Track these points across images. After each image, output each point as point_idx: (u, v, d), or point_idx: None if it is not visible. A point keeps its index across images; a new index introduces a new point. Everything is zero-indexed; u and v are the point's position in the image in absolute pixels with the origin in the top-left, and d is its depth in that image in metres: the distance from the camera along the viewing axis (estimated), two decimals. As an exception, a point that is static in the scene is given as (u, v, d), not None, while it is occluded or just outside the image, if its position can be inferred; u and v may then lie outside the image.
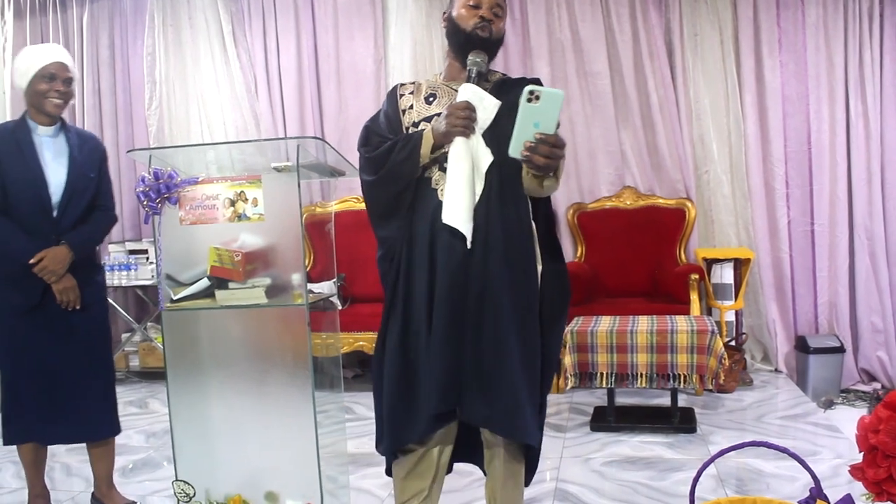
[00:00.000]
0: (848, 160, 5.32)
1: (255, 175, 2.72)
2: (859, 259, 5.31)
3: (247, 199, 2.71)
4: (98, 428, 3.21)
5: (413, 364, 2.38)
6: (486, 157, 2.33)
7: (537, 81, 2.52)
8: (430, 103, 2.48)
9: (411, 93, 2.54)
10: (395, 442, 2.42)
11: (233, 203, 2.73)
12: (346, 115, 5.69)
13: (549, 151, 2.05)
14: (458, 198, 2.29)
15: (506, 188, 2.36)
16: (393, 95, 2.57)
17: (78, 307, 3.06)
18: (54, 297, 3.02)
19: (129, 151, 3.02)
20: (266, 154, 2.96)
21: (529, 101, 1.96)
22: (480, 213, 2.31)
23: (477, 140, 2.33)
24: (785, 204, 5.42)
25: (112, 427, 3.25)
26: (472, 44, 2.40)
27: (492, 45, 2.44)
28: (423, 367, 2.36)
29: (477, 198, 2.32)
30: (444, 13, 2.54)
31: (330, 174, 3.24)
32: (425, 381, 2.35)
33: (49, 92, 3.00)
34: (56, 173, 3.04)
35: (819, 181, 5.37)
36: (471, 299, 2.32)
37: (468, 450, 2.58)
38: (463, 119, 2.29)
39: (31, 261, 2.95)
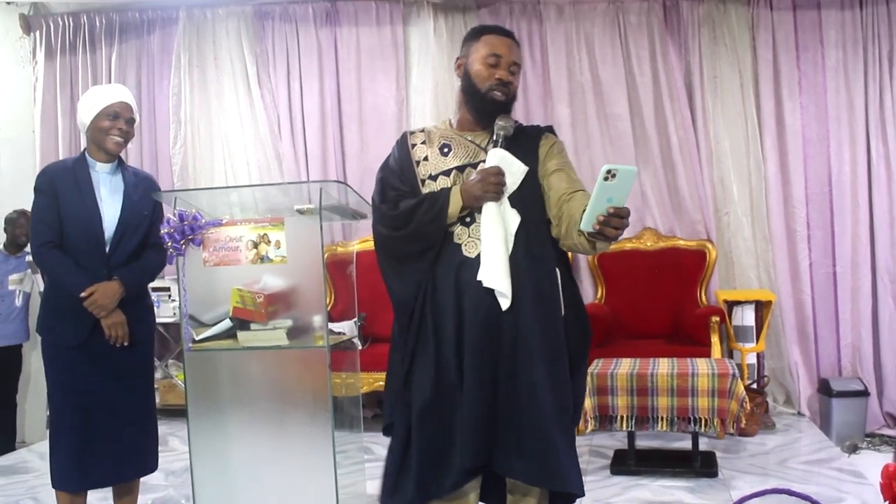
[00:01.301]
0: (870, 202, 5.32)
1: (279, 218, 2.76)
2: (882, 301, 5.28)
3: (270, 242, 2.75)
4: (139, 466, 3.22)
5: (445, 418, 2.38)
6: (514, 219, 2.39)
7: (551, 130, 2.57)
8: (445, 154, 2.50)
9: (423, 143, 2.55)
10: (423, 495, 2.39)
11: (256, 245, 2.76)
12: (367, 155, 5.74)
13: (620, 223, 2.05)
14: (497, 261, 2.33)
15: (533, 246, 2.40)
16: (404, 145, 2.58)
17: (126, 343, 3.08)
18: (103, 333, 3.04)
19: (153, 193, 3.08)
20: (289, 195, 3.00)
21: (606, 179, 1.98)
22: (511, 270, 2.35)
23: (504, 203, 2.39)
24: (806, 246, 5.41)
25: (151, 464, 3.26)
26: (489, 107, 2.44)
27: (509, 104, 2.48)
28: (455, 420, 2.36)
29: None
30: (458, 60, 2.56)
31: (352, 216, 3.28)
32: (459, 434, 2.35)
33: (111, 130, 3.07)
34: (111, 209, 3.08)
35: (841, 223, 5.36)
36: (503, 352, 2.35)
37: (488, 488, 2.56)
38: (496, 185, 2.34)
39: (83, 294, 2.98)
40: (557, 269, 2.47)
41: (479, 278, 2.33)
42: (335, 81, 5.81)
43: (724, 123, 5.49)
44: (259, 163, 5.81)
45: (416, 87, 5.76)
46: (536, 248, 2.41)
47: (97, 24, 5.96)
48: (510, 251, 2.36)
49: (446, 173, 2.46)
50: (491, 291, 2.33)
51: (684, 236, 5.53)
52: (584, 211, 2.10)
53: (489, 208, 2.36)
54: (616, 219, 2.03)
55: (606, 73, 5.55)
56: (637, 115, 5.55)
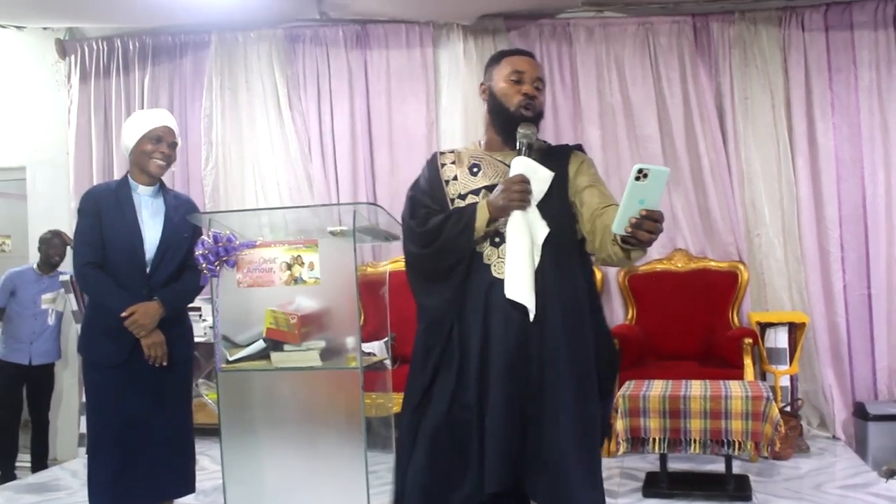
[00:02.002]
0: (904, 223, 5.26)
1: (312, 240, 2.77)
2: (918, 324, 5.21)
3: (303, 263, 2.76)
4: (176, 487, 3.25)
5: (458, 439, 2.35)
6: (542, 230, 2.36)
7: (580, 148, 2.57)
8: (474, 174, 2.50)
9: (453, 163, 2.56)
10: None
11: (289, 267, 2.78)
12: (398, 177, 5.76)
13: (654, 227, 1.98)
14: (520, 272, 2.30)
15: (561, 259, 2.38)
16: (434, 165, 2.58)
17: (165, 364, 3.11)
18: (143, 353, 3.08)
19: (188, 215, 3.11)
20: (320, 217, 3.02)
21: (637, 179, 1.92)
22: (538, 284, 2.32)
23: (532, 212, 2.36)
24: (840, 268, 5.35)
25: (189, 486, 3.29)
26: (514, 123, 2.42)
27: (535, 119, 2.47)
28: (470, 441, 2.33)
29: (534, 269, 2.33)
30: (483, 85, 2.57)
31: (384, 238, 3.29)
32: (482, 457, 2.30)
33: (154, 153, 3.14)
34: (152, 231, 3.15)
35: (875, 245, 5.30)
36: (531, 370, 2.32)
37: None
38: (520, 192, 2.32)
39: (123, 314, 3.02)
40: (587, 285, 2.45)
41: (506, 293, 2.30)
42: (365, 103, 5.84)
43: (755, 145, 5.46)
44: (290, 185, 5.85)
45: (445, 108, 5.78)
46: (564, 261, 2.38)
47: (130, 47, 6.05)
48: (537, 263, 2.33)
49: (475, 192, 2.46)
50: (519, 309, 2.30)
51: (716, 258, 5.49)
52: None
53: (515, 218, 2.33)
54: (649, 221, 1.97)
55: (637, 94, 5.55)
56: (667, 136, 5.53)
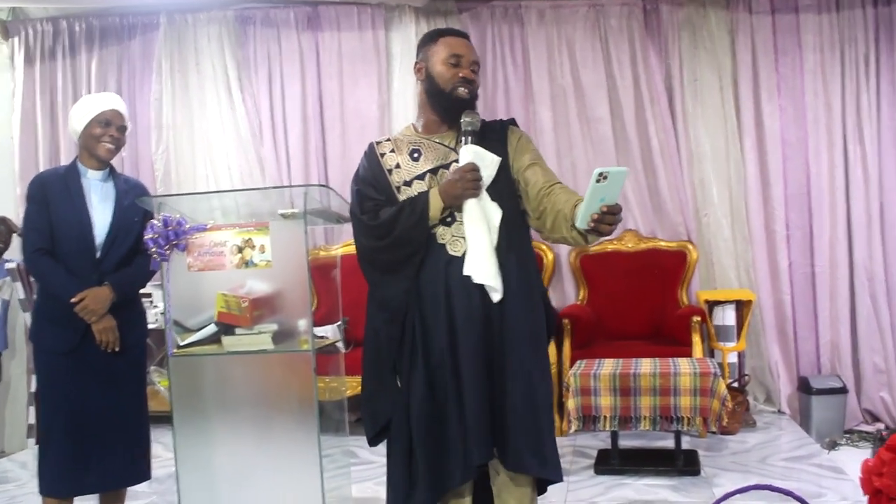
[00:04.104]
0: (847, 203, 5.38)
1: (263, 222, 2.77)
2: (860, 300, 5.34)
3: (254, 246, 2.76)
4: (130, 474, 3.23)
5: (441, 417, 2.43)
6: (496, 213, 2.45)
7: (513, 122, 2.62)
8: (416, 160, 2.54)
9: (392, 151, 2.58)
10: (434, 495, 2.45)
11: (240, 250, 2.77)
12: (349, 160, 5.73)
13: (614, 220, 2.14)
14: (484, 257, 2.39)
15: (512, 236, 2.47)
16: (372, 155, 2.60)
17: (117, 349, 3.09)
18: (94, 339, 3.05)
19: (137, 199, 3.08)
20: (271, 199, 3.02)
21: (598, 181, 2.07)
22: (500, 264, 2.42)
23: (484, 197, 2.43)
24: (786, 246, 5.46)
25: (144, 472, 3.27)
26: (455, 105, 2.48)
27: (474, 102, 2.52)
28: (453, 418, 2.41)
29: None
30: (418, 64, 2.59)
31: (336, 220, 3.29)
32: (463, 432, 2.39)
33: (103, 136, 3.11)
34: (101, 215, 3.11)
35: (819, 223, 5.42)
36: (495, 343, 2.42)
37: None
38: (472, 181, 2.39)
39: (73, 299, 2.99)
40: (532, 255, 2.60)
41: (466, 273, 2.39)
42: (317, 86, 5.81)
43: (704, 126, 5.54)
44: (241, 167, 5.80)
45: (397, 91, 5.77)
46: (517, 239, 2.49)
47: (77, 29, 5.93)
48: (495, 244, 2.42)
49: (420, 177, 2.51)
50: (479, 286, 2.39)
51: (665, 238, 5.57)
52: (574, 207, 2.23)
53: (470, 205, 2.42)
54: (609, 216, 2.12)
55: (587, 76, 5.59)
56: (618, 118, 5.59)
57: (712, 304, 5.25)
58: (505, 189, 2.48)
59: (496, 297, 2.40)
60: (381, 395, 2.53)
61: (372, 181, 2.55)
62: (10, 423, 5.85)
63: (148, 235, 2.80)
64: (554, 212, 2.36)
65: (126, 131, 3.19)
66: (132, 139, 5.94)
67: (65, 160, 5.49)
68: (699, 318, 4.90)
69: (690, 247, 5.47)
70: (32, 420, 5.32)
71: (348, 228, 5.56)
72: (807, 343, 5.46)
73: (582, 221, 2.15)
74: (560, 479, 2.52)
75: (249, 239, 2.76)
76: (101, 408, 3.09)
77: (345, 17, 5.77)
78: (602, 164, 5.53)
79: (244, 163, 5.79)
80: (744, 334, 5.19)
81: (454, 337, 2.41)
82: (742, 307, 5.22)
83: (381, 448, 4.67)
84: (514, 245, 2.47)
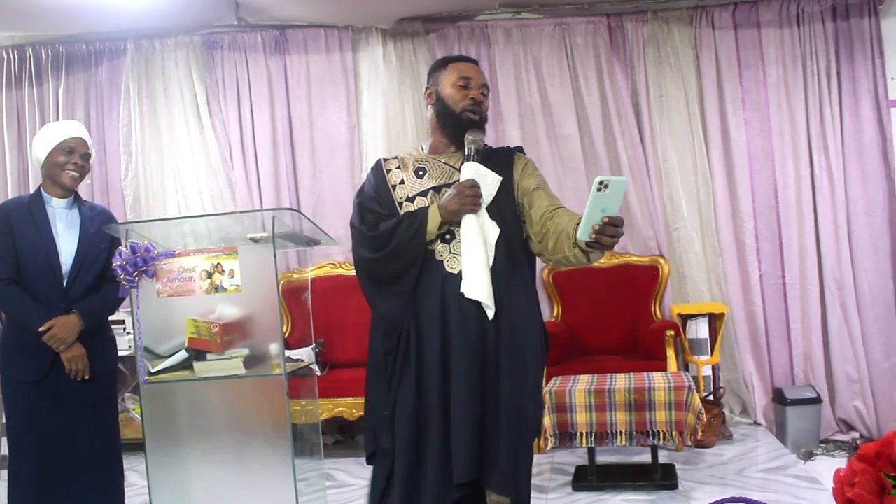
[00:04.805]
0: (815, 213, 5.43)
1: (232, 247, 2.76)
2: (831, 310, 5.39)
3: (223, 271, 2.74)
4: (102, 503, 3.18)
5: (426, 432, 2.43)
6: (493, 231, 2.47)
7: (520, 150, 2.66)
8: (420, 177, 2.57)
9: (398, 167, 2.62)
10: None
11: (210, 275, 2.76)
12: (320, 182, 5.74)
13: (615, 231, 2.13)
14: (478, 273, 2.40)
15: (511, 256, 2.49)
16: (379, 170, 2.64)
17: (87, 377, 3.07)
18: (64, 368, 3.03)
19: (104, 226, 3.06)
20: (243, 223, 3.01)
21: (599, 189, 2.06)
22: (493, 282, 2.43)
23: (483, 215, 2.46)
24: (756, 258, 5.51)
25: (117, 501, 3.24)
26: (464, 126, 2.52)
27: (482, 123, 2.56)
28: (438, 437, 2.41)
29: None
30: (428, 89, 2.65)
31: (305, 243, 3.29)
32: (447, 452, 2.40)
33: (67, 164, 3.10)
34: (67, 243, 3.11)
35: (788, 235, 5.47)
36: (489, 363, 2.43)
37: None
38: (472, 197, 2.42)
39: (41, 328, 2.97)
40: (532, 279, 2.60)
41: (461, 290, 2.40)
42: (286, 109, 5.81)
43: (671, 140, 5.59)
44: (212, 192, 5.78)
45: (366, 112, 5.78)
46: (514, 259, 2.50)
47: (43, 56, 5.89)
48: (491, 262, 2.43)
49: (423, 194, 2.55)
50: (475, 304, 2.41)
51: (637, 252, 5.61)
52: (577, 224, 2.19)
53: (468, 221, 2.43)
54: (611, 227, 2.11)
55: (555, 94, 5.63)
56: (586, 134, 5.63)
57: (685, 318, 5.28)
58: (507, 210, 2.51)
59: (489, 313, 2.41)
60: (379, 416, 2.53)
61: (375, 195, 2.59)
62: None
63: (116, 262, 2.78)
64: (556, 232, 2.37)
65: (90, 158, 3.18)
66: (101, 165, 5.92)
67: (33, 188, 5.44)
68: (672, 332, 4.92)
69: (662, 261, 5.51)
70: (5, 450, 5.24)
71: (321, 251, 5.58)
72: (780, 354, 5.49)
73: (583, 233, 2.13)
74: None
75: (219, 264, 2.75)
76: (71, 437, 3.06)
77: (312, 40, 5.78)
78: (573, 180, 5.58)
79: (215, 187, 5.77)
80: (717, 347, 5.22)
81: (447, 354, 2.43)
82: (715, 320, 5.25)
83: (359, 471, 4.67)
84: (512, 266, 2.48)
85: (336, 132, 5.76)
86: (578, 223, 2.19)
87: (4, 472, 4.82)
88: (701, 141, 5.54)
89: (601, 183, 2.06)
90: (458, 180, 2.49)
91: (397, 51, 5.69)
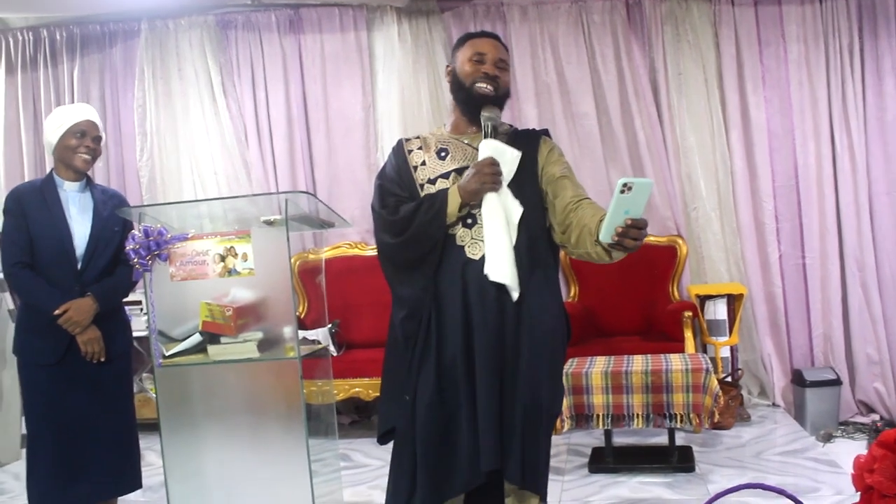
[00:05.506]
0: (836, 193, 5.37)
1: (245, 230, 2.75)
2: (851, 290, 5.33)
3: (236, 254, 2.73)
4: (121, 484, 3.21)
5: (449, 422, 2.40)
6: (516, 210, 2.41)
7: (547, 133, 2.60)
8: (442, 158, 2.53)
9: (420, 148, 2.58)
10: (437, 499, 2.42)
11: (223, 258, 2.74)
12: (335, 161, 5.72)
13: (639, 234, 2.07)
14: (502, 255, 2.35)
15: (533, 239, 2.43)
16: (400, 151, 2.60)
17: (102, 359, 3.09)
18: (79, 350, 3.05)
19: (120, 210, 3.06)
20: (258, 205, 2.99)
21: (622, 192, 2.01)
22: (516, 263, 2.38)
23: (505, 193, 2.40)
24: (775, 238, 5.45)
25: (134, 482, 3.26)
26: (474, 101, 2.47)
27: (499, 99, 2.50)
28: (462, 421, 2.38)
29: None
30: (448, 67, 2.60)
31: (319, 226, 3.27)
32: (471, 435, 2.37)
33: (79, 148, 3.10)
34: (81, 226, 3.11)
35: (808, 214, 5.41)
36: (509, 347, 2.38)
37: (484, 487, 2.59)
38: (491, 175, 2.36)
39: (56, 311, 2.98)
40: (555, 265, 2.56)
41: (485, 272, 2.35)
42: (301, 89, 5.78)
43: (689, 119, 5.52)
44: (227, 172, 5.77)
45: (381, 91, 5.74)
46: (536, 242, 2.44)
47: (58, 38, 5.89)
48: (514, 242, 2.38)
49: (445, 176, 2.49)
50: (497, 288, 2.36)
51: (654, 232, 5.55)
52: (600, 221, 2.13)
53: (490, 200, 2.38)
54: (634, 230, 2.05)
55: (572, 72, 5.57)
56: (603, 113, 5.57)
57: (703, 299, 5.24)
58: (529, 191, 2.45)
59: (514, 295, 2.36)
60: (395, 398, 2.50)
61: (396, 178, 2.54)
62: (4, 433, 5.81)
63: (129, 246, 2.77)
64: (580, 227, 2.32)
65: (101, 141, 3.18)
66: (116, 147, 5.92)
67: (49, 170, 5.46)
68: (690, 314, 4.88)
69: (680, 241, 5.46)
70: (25, 431, 5.29)
71: (337, 231, 5.56)
72: (799, 335, 5.45)
73: (605, 235, 2.07)
74: (538, 493, 2.49)
75: (231, 247, 2.73)
76: (88, 418, 3.08)
77: (326, 19, 5.74)
78: (589, 160, 5.53)
79: (230, 167, 5.76)
80: (736, 328, 5.18)
81: (469, 341, 2.39)
82: (733, 301, 5.21)
83: (376, 451, 4.68)
84: (534, 249, 2.43)
85: (351, 112, 5.73)
86: (601, 220, 2.13)
87: (24, 452, 4.87)
88: (720, 120, 5.48)
89: (625, 185, 2.01)
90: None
91: (412, 29, 5.64)
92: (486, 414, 2.35)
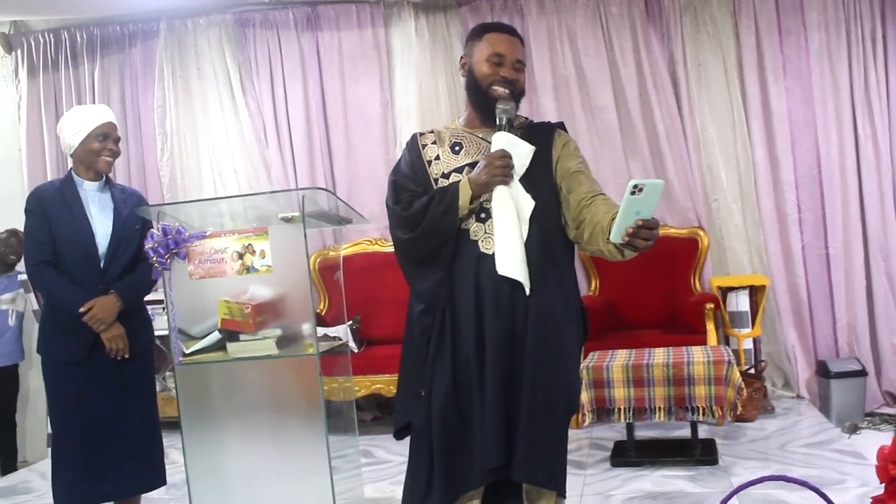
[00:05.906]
0: (859, 182, 5.31)
1: (262, 228, 2.75)
2: (876, 280, 5.28)
3: (254, 252, 2.74)
4: (145, 481, 3.25)
5: (464, 414, 2.40)
6: (528, 203, 2.39)
7: (562, 126, 2.58)
8: (456, 153, 2.51)
9: (434, 143, 2.56)
10: (452, 494, 2.42)
11: (241, 256, 2.75)
12: (354, 158, 5.74)
13: (650, 234, 2.06)
14: (511, 247, 2.34)
15: (546, 233, 2.42)
16: (414, 146, 2.59)
17: (127, 356, 3.12)
18: (104, 348, 3.08)
19: (136, 209, 3.08)
20: (278, 201, 3.00)
21: (633, 193, 2.01)
22: (528, 257, 2.36)
23: (516, 187, 2.38)
24: (798, 229, 5.40)
25: (159, 479, 3.29)
26: (492, 103, 2.44)
27: (515, 98, 2.48)
28: (476, 416, 2.38)
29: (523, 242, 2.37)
30: (462, 59, 2.57)
31: (337, 222, 3.27)
32: (483, 432, 2.36)
33: (103, 151, 3.14)
34: (102, 225, 3.14)
35: (831, 204, 5.35)
36: (523, 344, 2.37)
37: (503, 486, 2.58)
38: (502, 168, 2.35)
39: (81, 309, 3.01)
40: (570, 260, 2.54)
41: (498, 270, 2.35)
42: (319, 86, 5.80)
43: (709, 110, 5.48)
44: (247, 171, 5.80)
45: (399, 87, 5.74)
46: (549, 237, 2.43)
47: (78, 39, 5.94)
48: (525, 237, 2.37)
49: (459, 170, 2.48)
50: (510, 283, 2.35)
51: (675, 224, 5.52)
52: (612, 219, 2.12)
53: (500, 193, 2.37)
54: (645, 230, 2.05)
55: (590, 65, 5.54)
56: (623, 105, 5.54)
57: (725, 291, 5.20)
58: (541, 184, 2.43)
59: (527, 290, 2.35)
60: (410, 393, 2.50)
61: (410, 173, 2.54)
62: (32, 432, 5.89)
63: (148, 245, 2.79)
64: (592, 223, 2.30)
65: (119, 141, 3.21)
66: (137, 146, 5.97)
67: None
68: (712, 305, 4.85)
69: (701, 233, 5.42)
70: (50, 430, 5.36)
71: (356, 228, 5.57)
72: (823, 326, 5.40)
73: (616, 235, 2.07)
74: (558, 491, 2.48)
75: (249, 245, 2.74)
76: (112, 416, 3.11)
77: (344, 16, 5.75)
78: (609, 152, 5.50)
79: (250, 166, 5.79)
80: (759, 320, 5.14)
81: (482, 335, 2.38)
82: (756, 292, 5.17)
83: (397, 447, 4.68)
84: (547, 243, 2.41)
85: (369, 108, 5.74)
86: (613, 218, 2.12)
87: (49, 451, 4.92)
88: (740, 110, 5.43)
89: (635, 187, 2.00)
90: None
91: (429, 25, 5.64)
92: (491, 411, 2.34)
